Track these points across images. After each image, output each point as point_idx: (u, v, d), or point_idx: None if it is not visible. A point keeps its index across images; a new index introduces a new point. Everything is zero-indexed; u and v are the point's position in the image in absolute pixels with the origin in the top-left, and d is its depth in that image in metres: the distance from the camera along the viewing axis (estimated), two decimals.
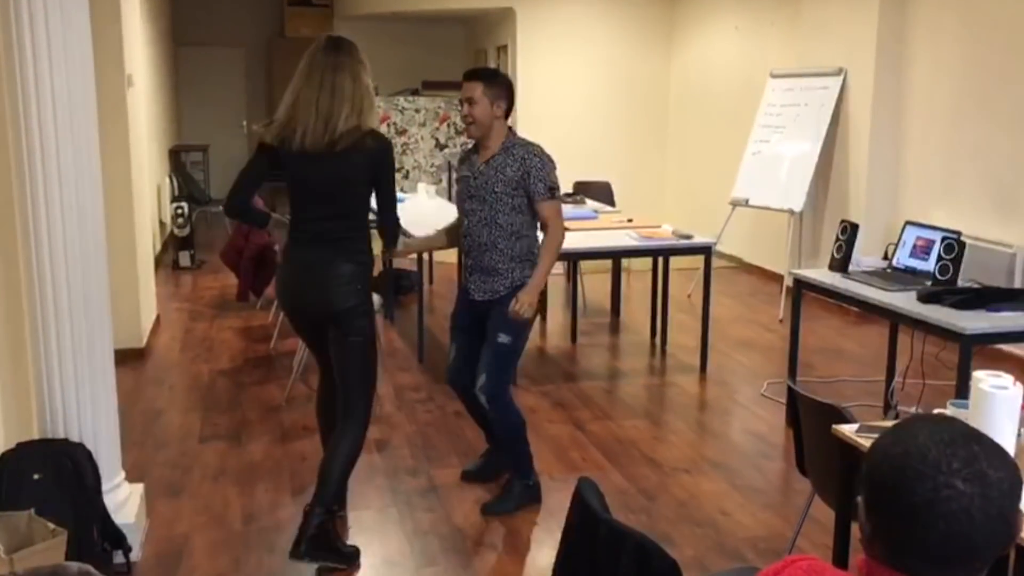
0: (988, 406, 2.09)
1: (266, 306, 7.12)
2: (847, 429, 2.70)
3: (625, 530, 1.91)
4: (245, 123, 12.48)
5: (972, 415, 2.17)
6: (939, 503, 1.17)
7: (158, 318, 6.81)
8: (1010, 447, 2.13)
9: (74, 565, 1.88)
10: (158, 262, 8.29)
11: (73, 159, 3.16)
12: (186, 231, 8.81)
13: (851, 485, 2.65)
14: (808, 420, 2.94)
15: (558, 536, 2.17)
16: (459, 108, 3.85)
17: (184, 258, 8.83)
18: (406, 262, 7.54)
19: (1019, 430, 2.26)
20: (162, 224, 9.07)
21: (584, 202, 7.31)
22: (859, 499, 1.28)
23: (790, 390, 3.07)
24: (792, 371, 4.97)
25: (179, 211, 8.69)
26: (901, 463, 1.21)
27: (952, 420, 1.27)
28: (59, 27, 3.07)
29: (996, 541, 1.20)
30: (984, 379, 2.19)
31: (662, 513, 3.89)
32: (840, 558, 2.82)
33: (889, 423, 2.88)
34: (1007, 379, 2.20)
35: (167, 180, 9.27)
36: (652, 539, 1.87)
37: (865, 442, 2.62)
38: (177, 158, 10.83)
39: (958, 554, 1.19)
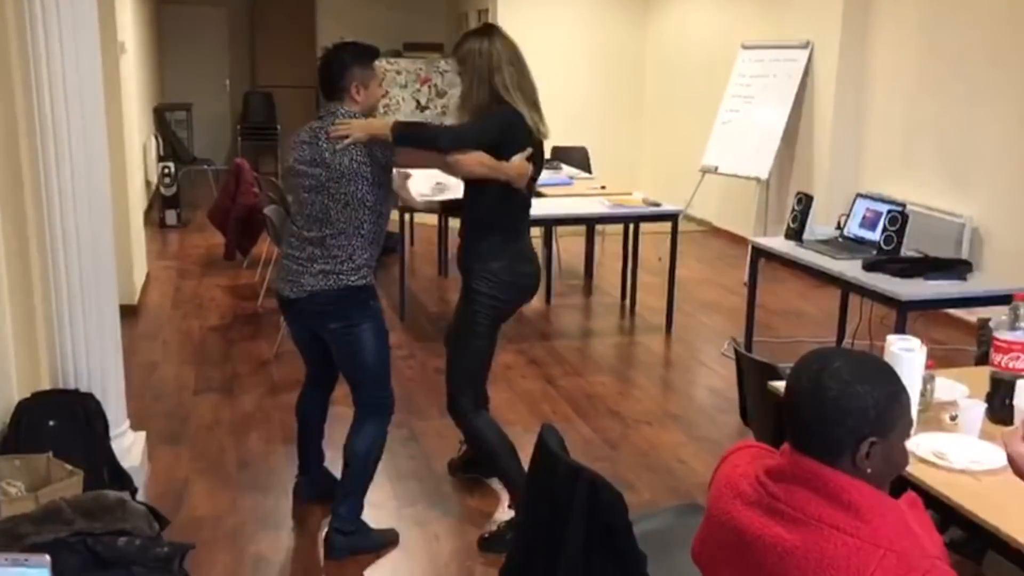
0: (897, 365, 2.42)
1: (252, 265, 7.39)
2: (781, 385, 3.04)
3: (579, 467, 2.23)
4: (228, 83, 12.59)
5: None
6: (790, 393, 1.67)
7: (148, 276, 7.07)
8: (915, 398, 2.48)
9: (112, 493, 2.20)
10: (145, 220, 8.50)
11: (82, 120, 3.34)
12: (173, 190, 9.03)
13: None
14: (749, 376, 3.28)
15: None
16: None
17: (171, 216, 9.07)
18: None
19: (924, 385, 2.62)
20: (147, 183, 9.27)
21: (561, 168, 7.59)
22: None
23: (736, 350, 3.41)
24: (749, 332, 5.32)
25: (166, 171, 8.90)
26: (794, 367, 1.70)
27: (846, 350, 1.70)
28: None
29: (824, 426, 1.60)
30: (895, 342, 2.53)
31: (624, 461, 4.24)
32: None
33: None
34: (915, 343, 2.53)
35: (152, 139, 9.46)
36: (601, 475, 2.20)
37: None
38: (161, 117, 10.98)
39: (797, 430, 1.65)
